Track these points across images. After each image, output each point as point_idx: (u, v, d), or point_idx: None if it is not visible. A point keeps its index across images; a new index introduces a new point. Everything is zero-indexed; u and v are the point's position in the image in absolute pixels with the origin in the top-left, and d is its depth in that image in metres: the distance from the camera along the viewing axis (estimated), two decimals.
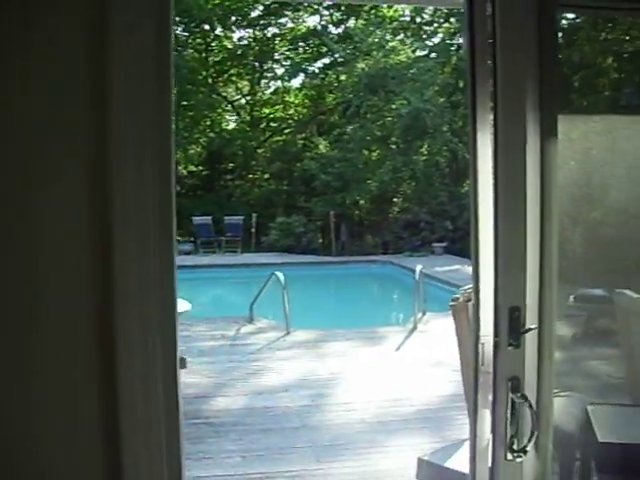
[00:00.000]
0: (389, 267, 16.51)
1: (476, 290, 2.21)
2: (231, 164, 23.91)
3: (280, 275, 10.20)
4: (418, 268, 10.49)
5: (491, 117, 2.18)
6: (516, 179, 2.14)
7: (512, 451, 2.19)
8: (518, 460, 2.22)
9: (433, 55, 21.07)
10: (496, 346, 2.16)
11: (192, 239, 19.37)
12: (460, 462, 3.34)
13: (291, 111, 24.12)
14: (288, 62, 23.56)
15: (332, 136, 21.96)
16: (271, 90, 24.69)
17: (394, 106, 20.40)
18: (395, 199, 21.16)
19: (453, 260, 16.67)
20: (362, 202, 20.74)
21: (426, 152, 20.70)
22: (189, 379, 7.29)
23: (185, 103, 21.30)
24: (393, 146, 21.14)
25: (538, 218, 2.24)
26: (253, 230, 19.88)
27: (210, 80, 23.70)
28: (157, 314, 2.02)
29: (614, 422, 3.38)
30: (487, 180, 2.19)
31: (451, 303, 4.19)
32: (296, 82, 24.04)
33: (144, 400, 2.02)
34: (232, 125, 24.78)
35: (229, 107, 24.68)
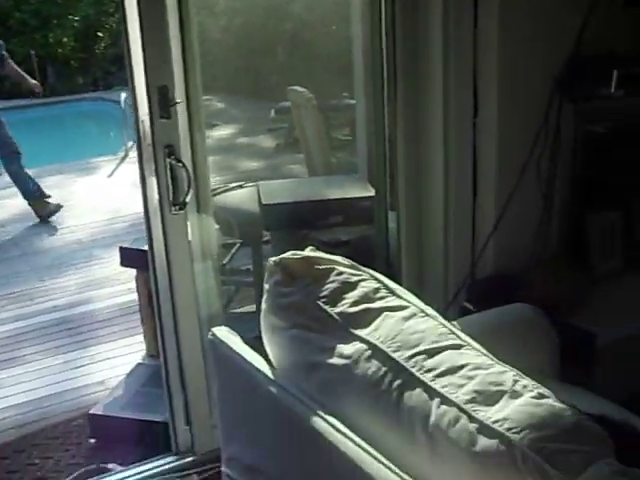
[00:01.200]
0: (100, 103, 16.27)
1: (131, 76, 2.63)
2: None
3: None
4: (122, 96, 10.38)
5: None
6: None
7: (174, 205, 2.72)
8: (181, 212, 2.75)
9: None
10: (151, 120, 2.61)
11: None
12: None
13: None
14: None
15: None
16: None
17: None
18: (100, 34, 20.59)
19: None
20: (65, 40, 19.97)
21: None
22: None
23: None
24: None
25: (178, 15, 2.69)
26: None
27: None
28: None
29: (277, 190, 4.04)
30: None
31: None
32: None
33: None
34: None
35: None
